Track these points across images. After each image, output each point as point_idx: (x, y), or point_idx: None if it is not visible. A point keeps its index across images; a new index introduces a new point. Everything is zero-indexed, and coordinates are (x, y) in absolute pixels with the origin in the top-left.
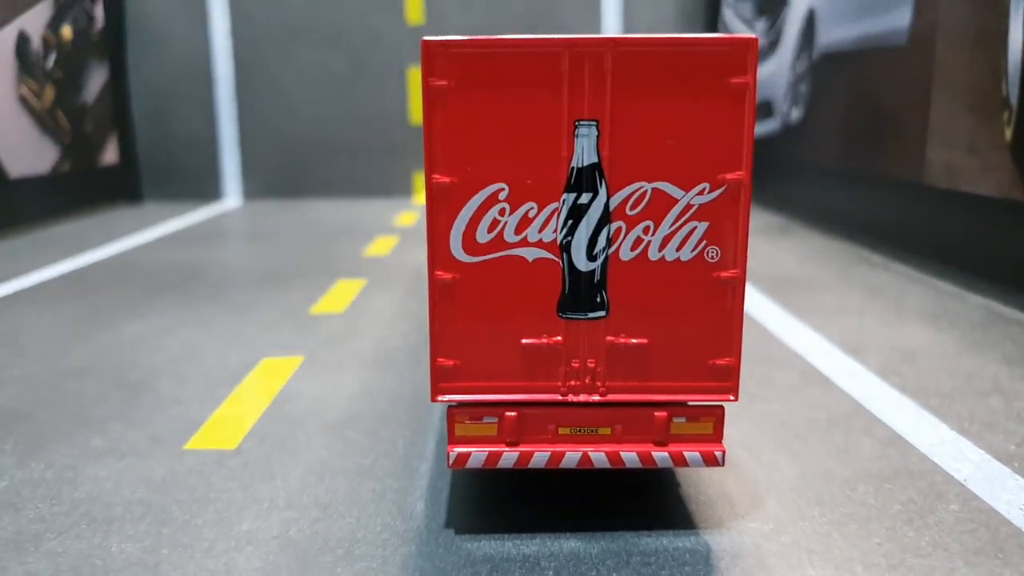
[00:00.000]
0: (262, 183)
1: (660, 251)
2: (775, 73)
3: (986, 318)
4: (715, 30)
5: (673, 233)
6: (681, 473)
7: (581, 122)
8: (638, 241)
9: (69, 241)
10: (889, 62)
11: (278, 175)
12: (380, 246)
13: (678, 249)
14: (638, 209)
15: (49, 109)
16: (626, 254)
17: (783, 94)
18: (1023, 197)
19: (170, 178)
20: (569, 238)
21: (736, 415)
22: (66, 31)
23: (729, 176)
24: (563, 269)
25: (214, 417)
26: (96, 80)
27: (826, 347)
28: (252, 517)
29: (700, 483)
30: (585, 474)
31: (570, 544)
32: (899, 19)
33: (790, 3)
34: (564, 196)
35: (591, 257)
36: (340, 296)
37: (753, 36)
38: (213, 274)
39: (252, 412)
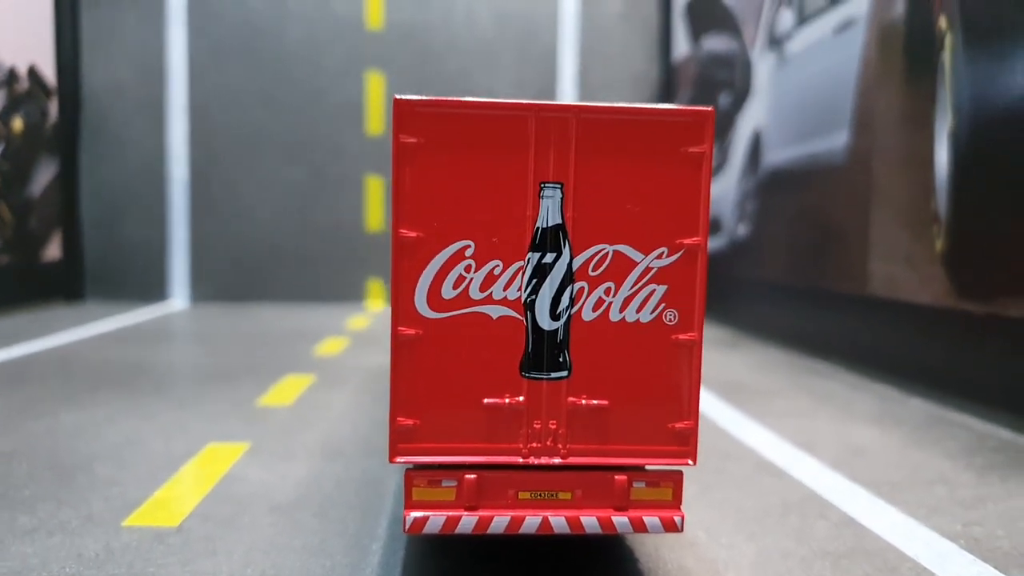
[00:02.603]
0: (212, 287)
1: (621, 312)
2: (723, 191)
3: (927, 420)
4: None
5: (633, 295)
6: (637, 550)
7: (546, 184)
8: (600, 302)
9: (3, 333)
10: (831, 180)
11: (229, 279)
12: (330, 346)
13: (638, 311)
14: (600, 270)
15: None
16: (588, 314)
17: (730, 212)
18: (955, 305)
19: (114, 277)
20: (533, 297)
21: (693, 501)
22: (17, 124)
23: (687, 241)
24: (527, 328)
25: (155, 497)
26: (44, 175)
27: (779, 443)
28: None
29: (658, 559)
30: (541, 543)
31: None
32: (837, 140)
33: (737, 125)
34: (529, 255)
35: (554, 316)
36: (288, 390)
37: (710, 108)
38: (157, 370)
39: (195, 493)
